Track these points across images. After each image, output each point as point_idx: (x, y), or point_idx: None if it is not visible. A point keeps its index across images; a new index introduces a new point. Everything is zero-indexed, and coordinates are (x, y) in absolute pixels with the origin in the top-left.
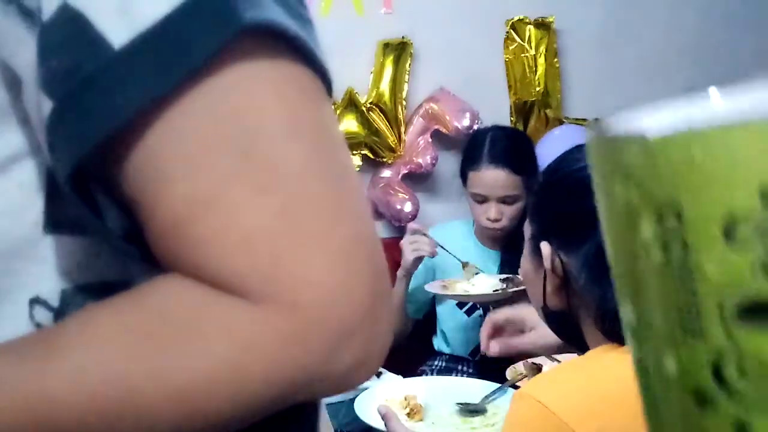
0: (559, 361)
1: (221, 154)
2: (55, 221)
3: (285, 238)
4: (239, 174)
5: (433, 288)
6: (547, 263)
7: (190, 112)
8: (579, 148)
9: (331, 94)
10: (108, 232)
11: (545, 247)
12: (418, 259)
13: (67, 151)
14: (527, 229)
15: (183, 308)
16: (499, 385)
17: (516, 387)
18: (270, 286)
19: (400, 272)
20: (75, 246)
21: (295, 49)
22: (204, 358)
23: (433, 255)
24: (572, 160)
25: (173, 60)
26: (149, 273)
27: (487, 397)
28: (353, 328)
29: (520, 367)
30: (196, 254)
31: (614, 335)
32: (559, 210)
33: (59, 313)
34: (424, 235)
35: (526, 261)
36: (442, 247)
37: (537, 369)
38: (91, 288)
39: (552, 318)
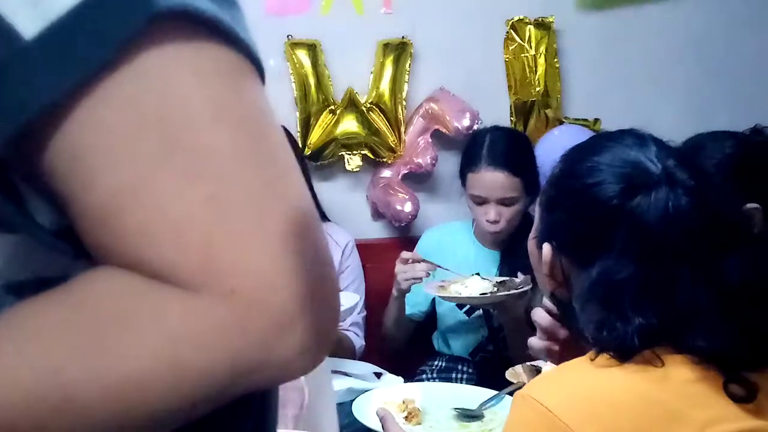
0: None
1: (144, 142)
2: None
3: (216, 225)
4: (164, 162)
5: (429, 288)
6: (545, 268)
7: (109, 102)
8: (590, 153)
9: (263, 74)
10: (38, 228)
11: (546, 249)
12: (413, 285)
13: None
14: (537, 210)
15: (115, 301)
16: (497, 392)
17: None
18: (204, 275)
19: (393, 293)
20: (4, 243)
21: (217, 31)
22: (138, 351)
23: (428, 275)
24: (587, 170)
25: (85, 50)
26: (84, 269)
27: (484, 403)
28: (295, 314)
29: (519, 368)
30: (126, 246)
31: (607, 350)
32: (571, 222)
33: None
34: (419, 261)
35: (532, 244)
36: (439, 266)
37: (536, 371)
38: (23, 286)
39: (559, 306)
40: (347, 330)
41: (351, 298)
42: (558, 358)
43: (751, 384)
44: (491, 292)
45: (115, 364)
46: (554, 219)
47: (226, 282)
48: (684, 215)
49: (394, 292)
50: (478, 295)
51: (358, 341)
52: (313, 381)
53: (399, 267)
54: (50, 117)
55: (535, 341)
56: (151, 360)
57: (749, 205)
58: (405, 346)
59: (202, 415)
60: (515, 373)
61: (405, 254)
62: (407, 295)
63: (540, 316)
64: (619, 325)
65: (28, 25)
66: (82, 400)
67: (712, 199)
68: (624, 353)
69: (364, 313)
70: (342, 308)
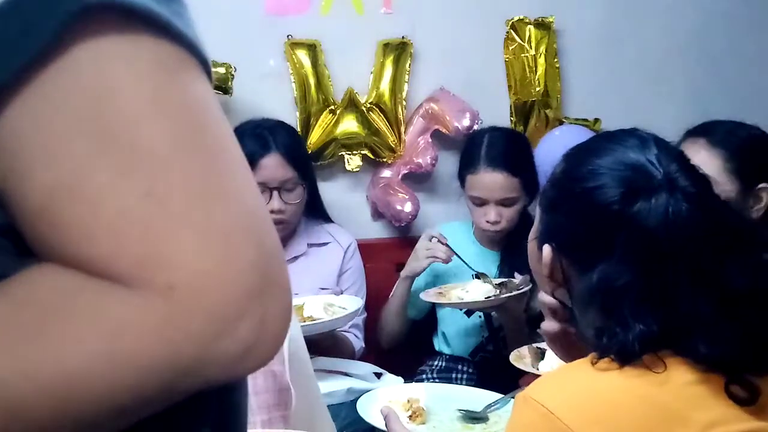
0: None
1: (79, 137)
2: None
3: (153, 220)
4: (100, 157)
5: (428, 296)
6: (545, 270)
7: (43, 97)
8: (590, 156)
9: (209, 69)
10: None
11: (547, 251)
12: (431, 263)
13: None
14: (537, 210)
15: (52, 298)
16: (502, 395)
17: None
18: (141, 270)
19: (404, 273)
20: None
21: (153, 25)
22: (73, 347)
23: (447, 261)
24: (587, 173)
25: (14, 43)
26: (28, 267)
27: (489, 405)
28: (237, 311)
29: (524, 350)
30: (65, 244)
31: (607, 355)
32: (571, 225)
33: None
34: (443, 243)
35: (532, 245)
36: (458, 256)
37: (541, 353)
38: None
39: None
40: (347, 332)
41: (354, 302)
42: (569, 344)
43: (753, 386)
44: (495, 295)
45: (49, 361)
46: (554, 221)
47: (164, 277)
48: (684, 221)
49: (406, 272)
50: (482, 299)
51: (358, 343)
52: (299, 380)
53: (423, 243)
54: None
55: (547, 325)
56: (87, 357)
57: (761, 185)
58: (400, 344)
59: (150, 416)
60: (520, 355)
61: (430, 231)
62: (410, 297)
63: (546, 299)
64: (620, 331)
65: None
66: (16, 398)
67: (713, 204)
68: (625, 358)
69: (364, 314)
70: (345, 312)
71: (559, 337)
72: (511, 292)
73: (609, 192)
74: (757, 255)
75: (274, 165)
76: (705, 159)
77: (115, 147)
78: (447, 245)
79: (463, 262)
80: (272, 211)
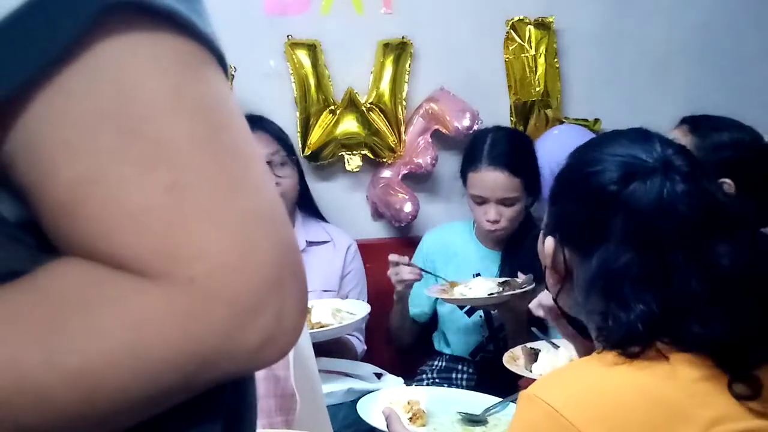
0: (557, 347)
1: (102, 132)
2: None
3: (176, 213)
4: (122, 152)
5: (432, 292)
6: (548, 260)
7: (66, 93)
8: (595, 146)
9: (225, 66)
10: (1, 221)
11: (549, 242)
12: (408, 286)
13: None
14: (547, 206)
15: (76, 290)
16: (502, 398)
17: None
18: (163, 262)
19: (395, 296)
20: None
21: (173, 22)
22: (97, 339)
23: (418, 279)
24: (589, 160)
25: (39, 42)
26: (49, 261)
27: (488, 408)
28: (257, 303)
29: (517, 351)
30: (88, 237)
31: (609, 345)
32: (572, 212)
33: None
34: (406, 265)
35: (540, 242)
36: (426, 271)
37: (534, 354)
38: None
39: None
40: (350, 335)
41: (361, 308)
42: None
43: (755, 381)
44: (498, 292)
45: (73, 352)
46: (557, 212)
47: (186, 270)
48: (678, 201)
49: (395, 295)
50: (486, 296)
51: (360, 345)
52: (304, 384)
53: (390, 270)
54: (7, 109)
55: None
56: (111, 348)
57: (723, 180)
58: (411, 345)
59: (172, 407)
60: (513, 356)
61: (392, 257)
62: (411, 297)
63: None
64: (622, 314)
65: None
66: (42, 388)
67: (707, 187)
68: (628, 344)
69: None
70: (354, 319)
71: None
72: (515, 290)
73: (606, 175)
74: (748, 237)
75: (260, 141)
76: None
77: (138, 141)
78: (411, 264)
79: (432, 275)
80: None
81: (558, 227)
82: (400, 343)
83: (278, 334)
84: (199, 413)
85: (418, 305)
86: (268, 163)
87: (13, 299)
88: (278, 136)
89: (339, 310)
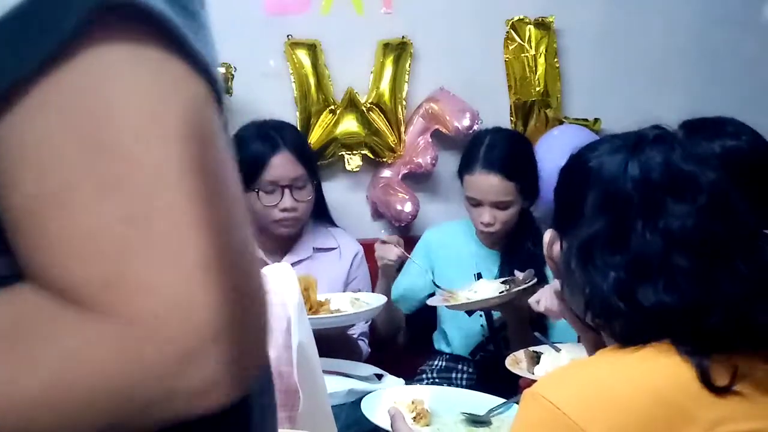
0: (559, 350)
1: (69, 151)
2: None
3: (129, 243)
4: (89, 172)
5: (435, 302)
6: (546, 249)
7: (46, 102)
8: (593, 146)
9: (220, 94)
10: None
11: (547, 233)
12: (388, 266)
13: None
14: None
15: (14, 321)
16: (506, 399)
17: None
18: (108, 294)
19: (379, 273)
20: None
21: (168, 38)
22: (31, 372)
23: (400, 260)
24: (582, 155)
25: (27, 44)
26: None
27: (492, 409)
28: (199, 348)
29: (520, 354)
30: (40, 256)
31: (601, 327)
32: (563, 200)
33: None
34: (394, 244)
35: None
36: (411, 259)
37: (536, 357)
38: None
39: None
40: (358, 339)
41: (378, 299)
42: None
43: (723, 366)
44: (506, 290)
45: (9, 380)
46: (555, 204)
47: (130, 305)
48: (641, 166)
49: (380, 272)
50: (496, 296)
51: (365, 347)
52: (306, 381)
53: (377, 246)
54: None
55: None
56: (42, 385)
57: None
58: (396, 341)
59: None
60: (515, 359)
61: (385, 238)
62: (404, 295)
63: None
64: (598, 280)
65: None
66: None
67: (672, 158)
68: (607, 314)
69: (370, 320)
70: (369, 307)
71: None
72: (519, 286)
73: (590, 155)
74: (705, 201)
75: (284, 163)
76: None
77: (106, 163)
78: (397, 245)
79: (415, 263)
80: (284, 209)
81: (555, 218)
82: (383, 334)
83: (223, 381)
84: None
85: (408, 300)
86: (288, 186)
87: None
88: (302, 155)
89: (357, 299)
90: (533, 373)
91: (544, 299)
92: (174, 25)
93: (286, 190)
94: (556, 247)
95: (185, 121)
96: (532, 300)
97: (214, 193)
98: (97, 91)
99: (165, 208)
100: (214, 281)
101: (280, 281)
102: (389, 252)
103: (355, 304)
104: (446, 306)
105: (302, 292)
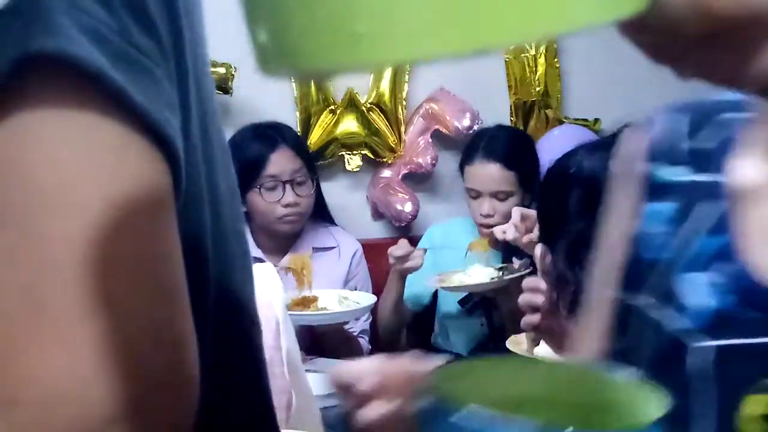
0: None
1: None
2: None
3: (19, 320)
4: None
5: (432, 282)
6: (539, 264)
7: None
8: (569, 154)
9: (175, 158)
10: None
11: (538, 247)
12: (412, 269)
13: None
14: None
15: None
16: None
17: None
18: None
19: (392, 276)
20: None
21: (109, 99)
22: None
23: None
24: (561, 164)
25: None
26: None
27: None
28: None
29: (521, 337)
30: None
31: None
32: (542, 207)
33: None
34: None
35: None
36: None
37: (537, 339)
38: None
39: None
40: (359, 336)
41: (368, 299)
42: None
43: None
44: (498, 277)
45: None
46: (539, 218)
47: (11, 392)
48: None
49: (394, 275)
50: (487, 281)
51: (366, 346)
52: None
53: (400, 253)
54: None
55: (528, 319)
56: None
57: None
58: (399, 339)
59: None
60: (517, 341)
61: (398, 250)
62: (417, 294)
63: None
64: (587, 277)
65: None
66: None
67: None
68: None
69: (371, 318)
70: (359, 306)
71: (543, 328)
72: (513, 274)
73: (568, 162)
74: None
75: (284, 158)
76: None
77: (7, 228)
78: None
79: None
80: (287, 205)
81: (541, 232)
82: (387, 333)
83: None
84: None
85: (413, 296)
86: (290, 181)
87: None
88: (301, 151)
89: (345, 297)
90: (533, 355)
91: (511, 230)
92: (113, 82)
93: (288, 186)
94: (548, 260)
95: (111, 190)
96: (497, 230)
97: (131, 272)
98: (15, 153)
99: (67, 286)
100: (111, 368)
101: (263, 281)
102: (417, 259)
103: (343, 303)
104: (441, 287)
105: (299, 272)
